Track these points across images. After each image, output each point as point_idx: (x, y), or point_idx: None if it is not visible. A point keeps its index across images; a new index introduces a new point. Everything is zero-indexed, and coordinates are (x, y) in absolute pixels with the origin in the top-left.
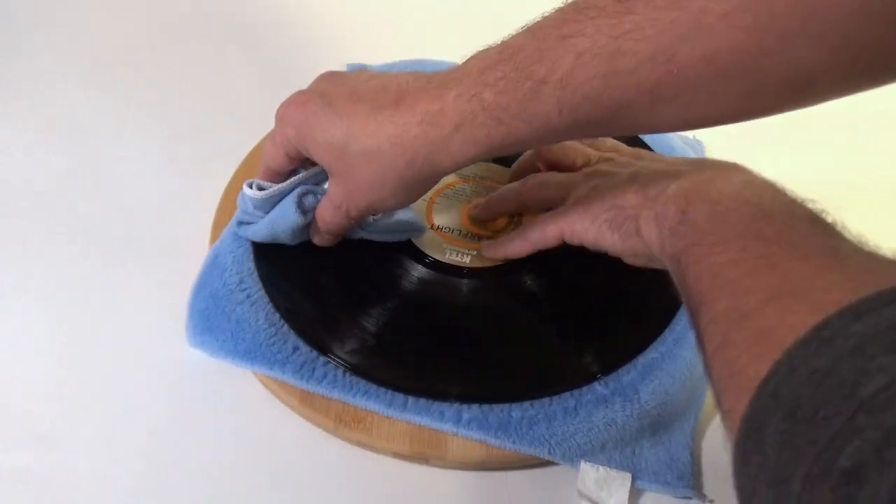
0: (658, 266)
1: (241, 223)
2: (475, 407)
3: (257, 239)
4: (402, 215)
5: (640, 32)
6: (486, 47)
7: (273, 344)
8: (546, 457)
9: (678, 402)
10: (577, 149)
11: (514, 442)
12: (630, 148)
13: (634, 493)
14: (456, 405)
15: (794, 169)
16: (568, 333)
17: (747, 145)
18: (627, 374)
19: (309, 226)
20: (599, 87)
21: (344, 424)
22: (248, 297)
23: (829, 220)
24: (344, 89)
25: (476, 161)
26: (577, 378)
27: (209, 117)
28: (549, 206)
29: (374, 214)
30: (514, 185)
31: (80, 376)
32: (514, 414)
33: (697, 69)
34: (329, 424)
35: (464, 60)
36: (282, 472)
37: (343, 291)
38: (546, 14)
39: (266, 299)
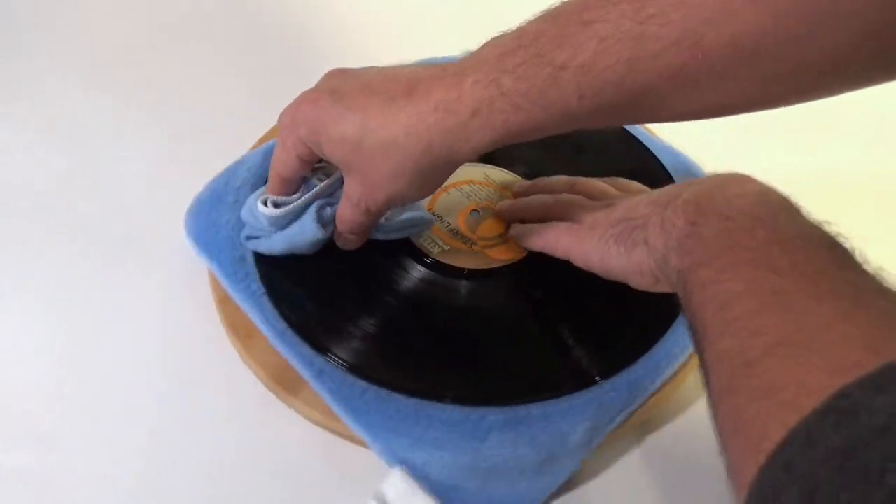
0: (665, 289)
1: (249, 237)
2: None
3: (272, 254)
4: (410, 213)
5: (665, 17)
6: (500, 34)
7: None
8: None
9: None
10: (604, 191)
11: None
12: (624, 183)
13: None
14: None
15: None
16: (569, 335)
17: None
18: (629, 376)
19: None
20: (622, 72)
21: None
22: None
23: (847, 246)
24: (354, 83)
25: (494, 147)
26: (576, 380)
27: (209, 117)
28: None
29: (393, 208)
30: (546, 197)
31: (80, 376)
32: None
33: (723, 54)
34: (329, 423)
35: (478, 48)
36: (282, 470)
37: (342, 291)
38: (564, 0)
39: (266, 299)
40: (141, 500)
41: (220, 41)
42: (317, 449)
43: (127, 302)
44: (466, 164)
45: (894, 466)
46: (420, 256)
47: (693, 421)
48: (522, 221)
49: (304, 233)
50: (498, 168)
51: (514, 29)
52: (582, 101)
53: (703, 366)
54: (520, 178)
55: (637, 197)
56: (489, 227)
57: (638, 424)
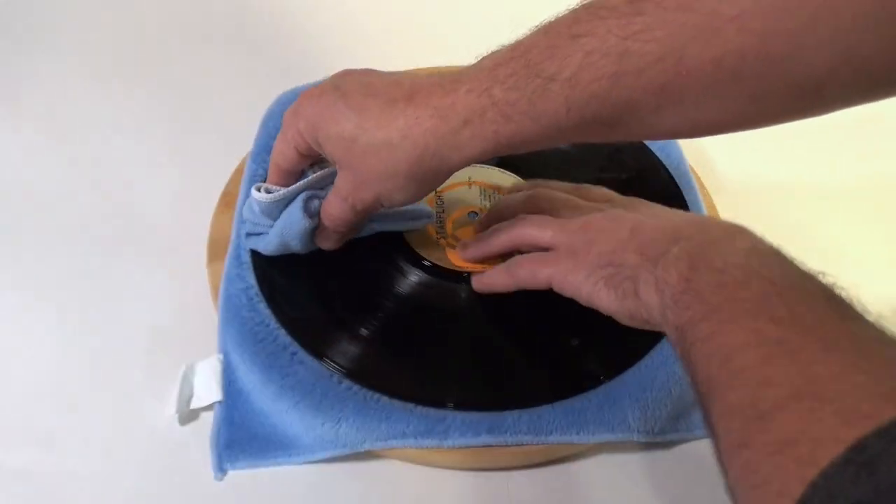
0: (656, 330)
1: (249, 235)
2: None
3: (269, 251)
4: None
5: (650, 34)
6: (500, 46)
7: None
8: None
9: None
10: (565, 200)
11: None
12: (622, 196)
13: None
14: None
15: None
16: (569, 337)
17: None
18: (631, 378)
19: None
20: (607, 86)
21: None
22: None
23: (844, 295)
24: (359, 84)
25: (484, 158)
26: (578, 382)
27: (209, 117)
28: (541, 249)
29: (380, 209)
30: (504, 224)
31: (81, 376)
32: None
33: (706, 72)
34: None
35: (479, 58)
36: (283, 471)
37: (340, 295)
38: (560, 14)
39: (264, 304)
40: (141, 500)
41: (220, 41)
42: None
43: (127, 301)
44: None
45: None
46: (416, 259)
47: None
48: (492, 258)
49: (292, 223)
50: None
51: (513, 41)
52: (570, 114)
53: (709, 420)
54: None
55: (617, 233)
56: (468, 231)
57: None
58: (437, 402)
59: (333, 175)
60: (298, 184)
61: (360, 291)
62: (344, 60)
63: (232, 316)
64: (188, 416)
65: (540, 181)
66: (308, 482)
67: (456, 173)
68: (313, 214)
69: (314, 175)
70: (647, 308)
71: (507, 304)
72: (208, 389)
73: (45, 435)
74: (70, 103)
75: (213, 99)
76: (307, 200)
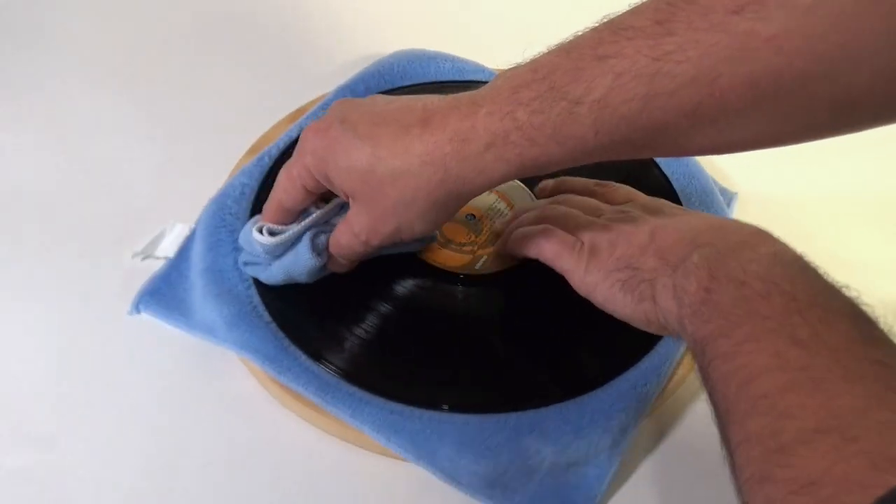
0: (672, 335)
1: (247, 263)
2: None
3: (272, 283)
4: None
5: (682, 54)
6: (514, 65)
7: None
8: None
9: None
10: (586, 204)
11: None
12: (646, 197)
13: None
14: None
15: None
16: (564, 342)
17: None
18: (626, 383)
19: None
20: (638, 108)
21: (341, 423)
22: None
23: (870, 313)
24: (365, 113)
25: (506, 180)
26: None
27: (209, 117)
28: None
29: (398, 240)
30: (530, 229)
31: (81, 376)
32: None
33: (740, 92)
34: (327, 423)
35: (492, 79)
36: (282, 471)
37: (337, 297)
38: (579, 33)
39: (263, 306)
40: (141, 500)
41: (220, 41)
42: (314, 449)
43: (127, 301)
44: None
45: None
46: (414, 260)
47: (694, 420)
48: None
49: (299, 262)
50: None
51: (528, 61)
52: (598, 137)
53: (727, 443)
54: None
55: (637, 236)
56: (456, 232)
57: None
58: (432, 405)
59: (337, 208)
60: (304, 223)
61: (354, 291)
62: (346, 61)
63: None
64: (146, 261)
65: (565, 178)
66: (304, 482)
67: None
68: (321, 251)
69: (319, 212)
70: (665, 314)
71: (502, 305)
72: (170, 246)
73: (45, 435)
74: (70, 104)
75: (214, 99)
76: (314, 238)
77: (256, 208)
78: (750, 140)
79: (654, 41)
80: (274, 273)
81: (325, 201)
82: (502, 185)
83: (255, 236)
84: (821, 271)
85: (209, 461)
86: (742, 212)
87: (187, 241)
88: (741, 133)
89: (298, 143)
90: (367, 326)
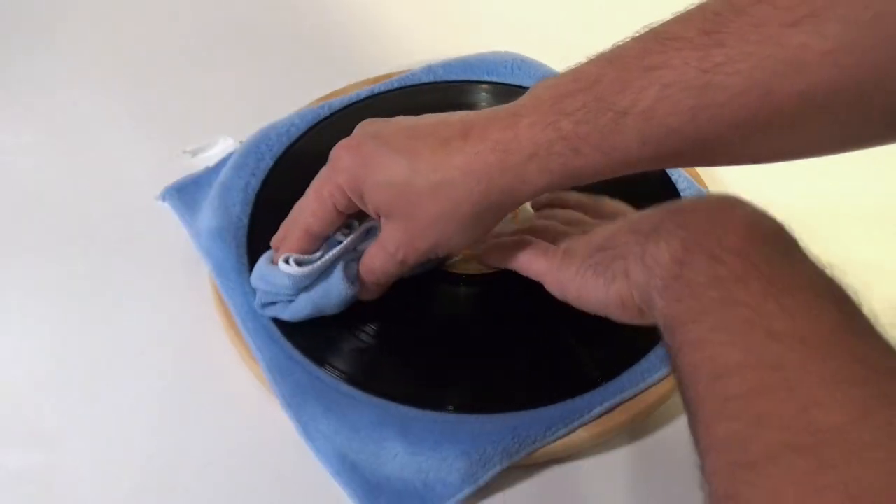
0: (650, 322)
1: (265, 304)
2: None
3: (297, 318)
4: None
5: (733, 66)
6: (554, 76)
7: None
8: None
9: None
10: (569, 216)
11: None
12: (637, 212)
13: None
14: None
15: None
16: (567, 339)
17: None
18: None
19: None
20: (686, 120)
21: None
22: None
23: (853, 298)
24: (398, 128)
25: (550, 190)
26: (577, 385)
27: (209, 118)
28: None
29: (433, 257)
30: (504, 240)
31: (81, 376)
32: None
33: (793, 105)
34: None
35: (530, 90)
36: (281, 471)
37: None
38: (621, 43)
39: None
40: (141, 500)
41: (221, 41)
42: None
43: (127, 301)
44: None
45: None
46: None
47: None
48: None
49: (331, 294)
50: None
51: (569, 70)
52: (644, 148)
53: (696, 443)
54: None
55: (615, 224)
56: None
57: (629, 423)
58: (437, 406)
59: (365, 234)
60: (337, 248)
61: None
62: (345, 59)
63: None
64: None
65: (560, 193)
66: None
67: None
68: (354, 279)
69: (353, 235)
70: (636, 287)
71: (503, 306)
72: (214, 156)
73: (45, 435)
74: (70, 104)
75: (214, 99)
76: (346, 267)
77: (280, 166)
78: (800, 149)
79: (703, 52)
80: (299, 307)
81: (348, 228)
82: None
83: (283, 267)
84: (802, 244)
85: (209, 461)
86: None
87: (226, 157)
88: (792, 143)
89: (328, 161)
90: (369, 330)
